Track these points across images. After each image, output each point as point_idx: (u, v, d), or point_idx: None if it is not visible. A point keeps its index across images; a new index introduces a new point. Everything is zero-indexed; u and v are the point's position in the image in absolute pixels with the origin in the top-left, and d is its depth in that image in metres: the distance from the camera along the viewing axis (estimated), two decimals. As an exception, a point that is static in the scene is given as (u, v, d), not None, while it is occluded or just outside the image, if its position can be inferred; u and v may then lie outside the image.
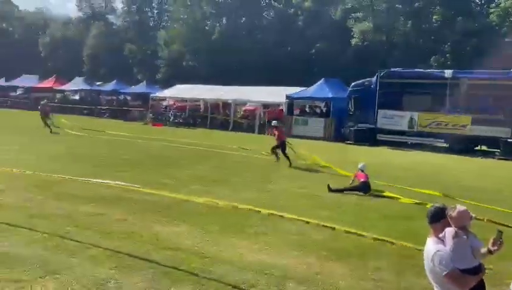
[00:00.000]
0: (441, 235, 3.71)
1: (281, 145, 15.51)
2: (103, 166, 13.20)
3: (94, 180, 8.46)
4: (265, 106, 29.09)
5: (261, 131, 27.39)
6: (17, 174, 9.83)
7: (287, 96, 27.38)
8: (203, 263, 6.09)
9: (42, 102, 24.97)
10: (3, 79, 50.18)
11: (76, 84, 42.14)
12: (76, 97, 42.83)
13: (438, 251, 3.60)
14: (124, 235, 7.02)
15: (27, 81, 46.89)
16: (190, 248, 6.60)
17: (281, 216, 8.24)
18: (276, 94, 28.38)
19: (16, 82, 47.93)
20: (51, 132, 21.91)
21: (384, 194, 10.84)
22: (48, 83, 43.83)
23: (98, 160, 14.43)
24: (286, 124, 26.66)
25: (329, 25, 45.40)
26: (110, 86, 39.63)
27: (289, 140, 16.19)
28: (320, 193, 10.80)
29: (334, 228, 7.63)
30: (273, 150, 15.78)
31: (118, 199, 9.19)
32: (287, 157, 15.11)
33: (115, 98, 39.33)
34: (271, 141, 16.68)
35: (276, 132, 15.86)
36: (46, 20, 78.89)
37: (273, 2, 54.26)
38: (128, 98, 38.72)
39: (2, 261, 5.90)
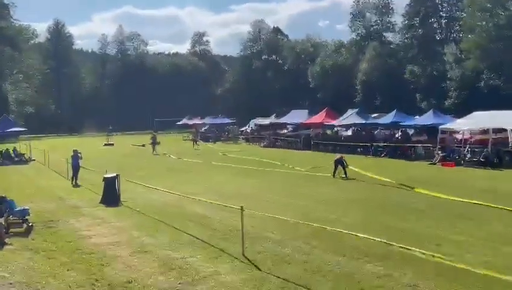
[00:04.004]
0: None
1: None
2: (378, 215, 13.51)
3: (377, 239, 8.88)
4: None
5: None
6: (292, 222, 11.02)
7: None
8: None
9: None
10: (273, 116, 57.63)
11: (348, 117, 44.82)
12: (349, 133, 45.51)
13: None
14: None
15: (296, 116, 52.48)
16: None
17: None
18: None
19: (284, 119, 54.28)
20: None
21: None
22: (317, 118, 47.84)
23: (372, 208, 14.86)
24: None
25: None
26: (388, 118, 40.61)
27: None
28: None
29: None
30: None
31: (406, 258, 9.20)
32: None
33: (394, 132, 40.21)
34: None
35: None
36: (316, 47, 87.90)
37: None
38: (411, 132, 38.93)
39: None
